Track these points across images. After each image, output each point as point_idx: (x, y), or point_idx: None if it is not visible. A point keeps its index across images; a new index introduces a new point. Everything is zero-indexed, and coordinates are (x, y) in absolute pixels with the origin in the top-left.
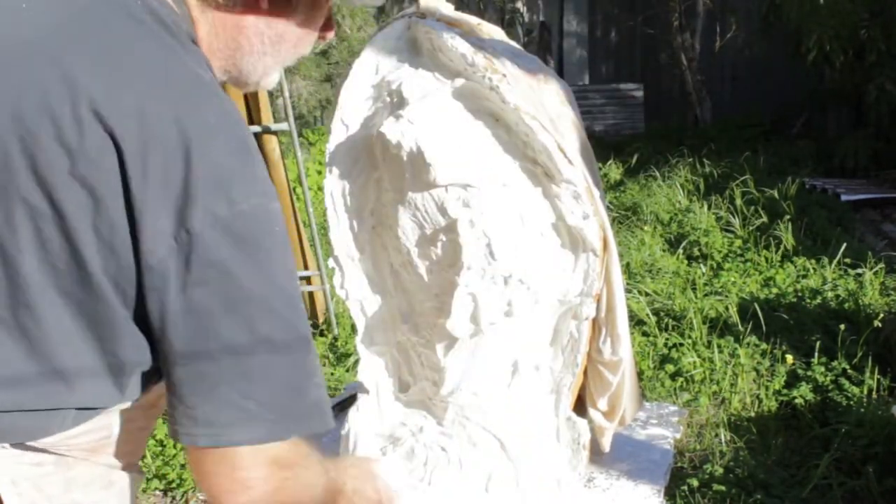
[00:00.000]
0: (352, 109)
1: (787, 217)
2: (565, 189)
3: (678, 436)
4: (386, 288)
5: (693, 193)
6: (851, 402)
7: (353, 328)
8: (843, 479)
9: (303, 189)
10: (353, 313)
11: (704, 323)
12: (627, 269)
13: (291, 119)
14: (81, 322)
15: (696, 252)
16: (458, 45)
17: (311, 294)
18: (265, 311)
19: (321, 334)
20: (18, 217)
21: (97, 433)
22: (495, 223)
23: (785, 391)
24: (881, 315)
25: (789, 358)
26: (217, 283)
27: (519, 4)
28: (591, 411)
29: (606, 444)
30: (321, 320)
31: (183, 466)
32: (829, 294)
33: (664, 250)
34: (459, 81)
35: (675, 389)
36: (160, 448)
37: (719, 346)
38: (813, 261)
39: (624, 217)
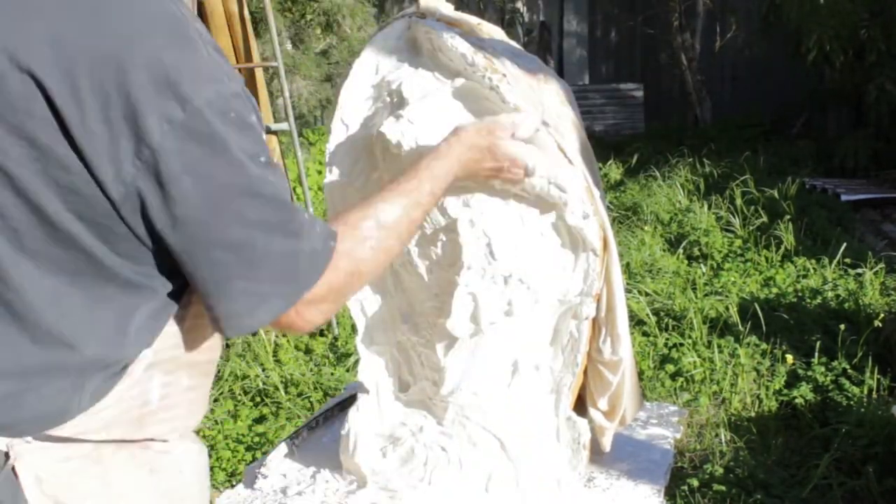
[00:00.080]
0: (352, 109)
1: (787, 217)
2: (565, 189)
3: (678, 436)
4: (386, 288)
5: (693, 193)
6: (851, 402)
7: (353, 328)
8: (843, 479)
9: (303, 189)
10: (353, 313)
11: (704, 323)
12: (627, 269)
13: (291, 119)
14: (62, 278)
15: (696, 252)
16: (458, 45)
17: None
18: (249, 198)
19: (321, 334)
20: None
21: (130, 402)
22: (495, 223)
23: (785, 391)
24: (881, 315)
25: (789, 358)
26: (195, 188)
27: (519, 4)
28: (592, 411)
29: (607, 443)
30: None
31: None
32: (829, 294)
33: (664, 250)
34: (459, 81)
35: (675, 389)
36: None
37: (719, 346)
38: (813, 261)
39: (624, 217)
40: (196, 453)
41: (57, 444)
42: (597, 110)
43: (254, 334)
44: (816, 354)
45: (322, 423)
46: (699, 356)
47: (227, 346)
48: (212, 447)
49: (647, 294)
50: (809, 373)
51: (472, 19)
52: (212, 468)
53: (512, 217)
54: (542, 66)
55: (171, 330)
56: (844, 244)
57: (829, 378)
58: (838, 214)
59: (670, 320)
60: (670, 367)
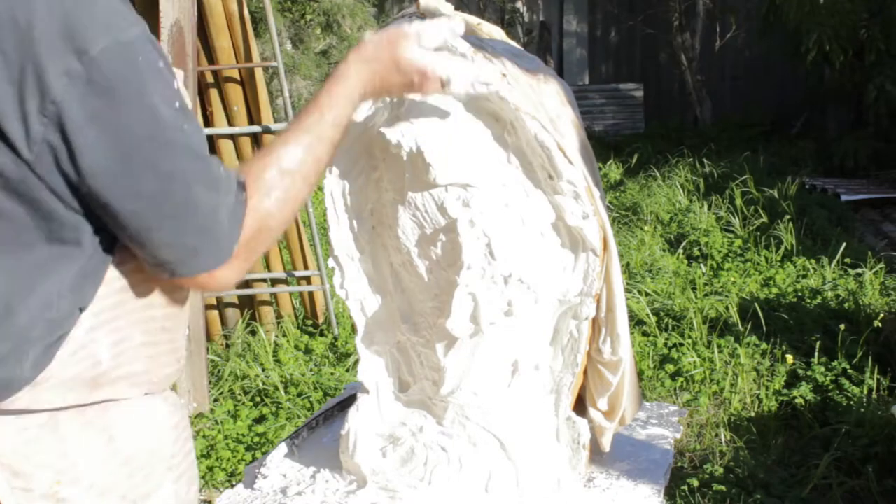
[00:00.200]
0: None
1: (787, 217)
2: (565, 189)
3: (678, 436)
4: (386, 288)
5: (693, 193)
6: (851, 402)
7: (353, 328)
8: (843, 479)
9: None
10: (353, 313)
11: (704, 323)
12: (627, 269)
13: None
14: None
15: (696, 252)
16: (458, 44)
17: (311, 294)
18: (160, 146)
19: (321, 334)
20: None
21: (79, 366)
22: (495, 223)
23: (785, 391)
24: (881, 315)
25: (789, 358)
26: (100, 138)
27: (519, 4)
28: (591, 411)
29: (606, 443)
30: (321, 320)
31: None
32: (829, 294)
33: (664, 250)
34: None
35: (675, 389)
36: None
37: (719, 346)
38: (813, 261)
39: (624, 217)
40: (166, 412)
41: (11, 416)
42: (597, 110)
43: (253, 334)
44: (816, 354)
45: (322, 423)
46: (699, 356)
47: (227, 346)
48: (212, 447)
49: (647, 294)
50: (809, 373)
51: (472, 19)
52: (212, 468)
53: (512, 217)
54: (542, 66)
55: (111, 288)
56: (844, 244)
57: (829, 378)
58: (838, 214)
59: (670, 320)
60: (670, 367)
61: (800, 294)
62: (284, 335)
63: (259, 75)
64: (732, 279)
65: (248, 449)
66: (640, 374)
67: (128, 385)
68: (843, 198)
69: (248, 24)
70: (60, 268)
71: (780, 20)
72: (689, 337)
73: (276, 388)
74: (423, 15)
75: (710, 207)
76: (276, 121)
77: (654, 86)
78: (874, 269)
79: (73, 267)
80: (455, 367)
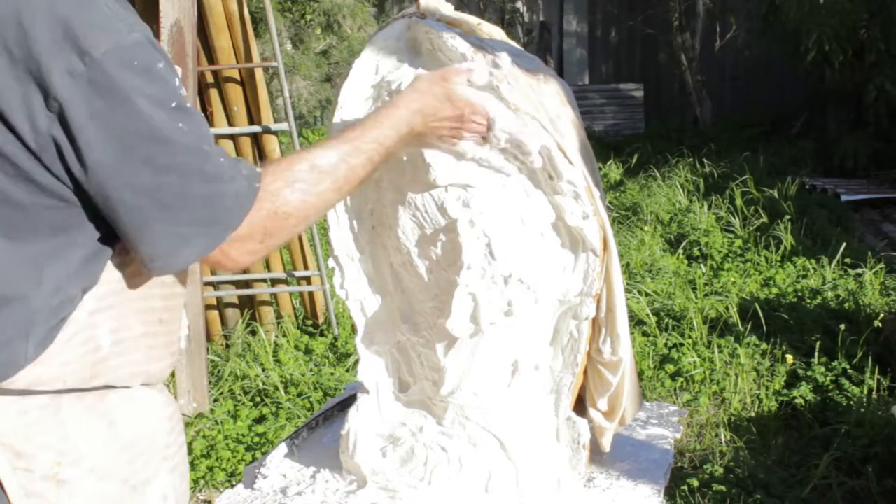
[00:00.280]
0: (352, 109)
1: (787, 217)
2: (565, 189)
3: (678, 436)
4: (386, 288)
5: (693, 193)
6: (851, 402)
7: (353, 328)
8: (843, 479)
9: None
10: (353, 313)
11: (704, 323)
12: (627, 269)
13: (291, 119)
14: None
15: (696, 252)
16: (458, 45)
17: (311, 294)
18: (158, 143)
19: (321, 334)
20: None
21: (80, 348)
22: (495, 223)
23: (785, 391)
24: (881, 315)
25: (789, 358)
26: (100, 136)
27: (519, 4)
28: (592, 411)
29: (606, 443)
30: (321, 320)
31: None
32: (829, 294)
33: (664, 250)
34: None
35: (675, 389)
36: None
37: (719, 346)
38: (813, 261)
39: (624, 217)
40: (161, 403)
41: (13, 396)
42: (597, 110)
43: (253, 334)
44: (816, 354)
45: (322, 423)
46: (699, 356)
47: (227, 346)
48: (212, 447)
49: (647, 294)
50: (809, 373)
51: (472, 19)
52: (212, 468)
53: (512, 217)
54: (542, 66)
55: (114, 276)
56: (844, 244)
57: (829, 378)
58: (838, 214)
59: (670, 320)
60: (670, 367)
61: (800, 294)
62: (284, 335)
63: (259, 75)
64: (732, 279)
65: (248, 449)
66: (640, 374)
67: (126, 374)
68: (843, 198)
69: (248, 24)
70: (67, 253)
71: (779, 20)
72: (689, 337)
73: (276, 388)
74: (423, 15)
75: (710, 207)
76: (276, 121)
77: (654, 86)
78: (874, 270)
79: (80, 252)
80: (455, 367)
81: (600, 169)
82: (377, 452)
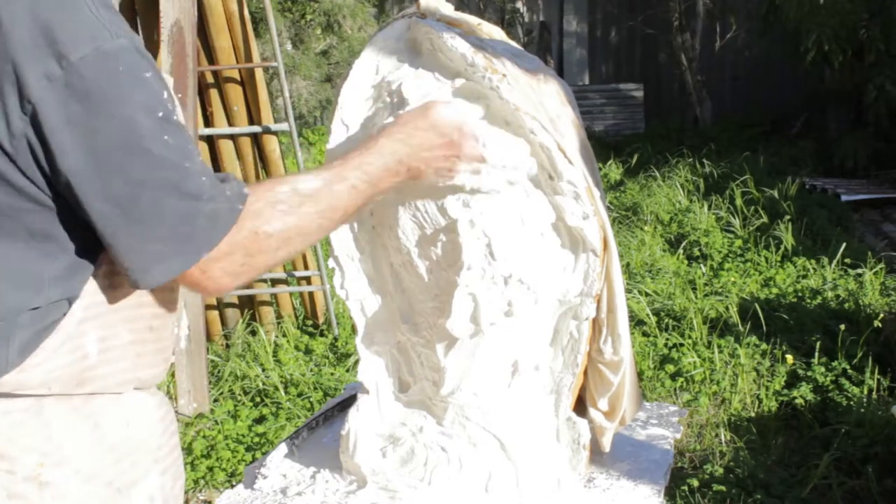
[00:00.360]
0: (352, 109)
1: (787, 217)
2: (566, 189)
3: (678, 436)
4: (386, 288)
5: (693, 193)
6: (851, 402)
7: (353, 328)
8: (843, 479)
9: None
10: (353, 313)
11: (704, 323)
12: (627, 269)
13: (291, 119)
14: None
15: (696, 252)
16: (457, 45)
17: (311, 294)
18: (133, 155)
19: (321, 334)
20: None
21: (68, 356)
22: (495, 223)
23: (785, 391)
24: (881, 315)
25: (789, 358)
26: (74, 141)
27: (519, 4)
28: (592, 411)
29: (607, 444)
30: (321, 320)
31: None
32: (829, 294)
33: (664, 250)
34: (459, 82)
35: (675, 389)
36: None
37: (719, 346)
38: (813, 261)
39: (624, 217)
40: (153, 405)
41: None
42: (597, 110)
43: (253, 334)
44: (816, 354)
45: (322, 423)
46: (699, 356)
47: (227, 346)
48: (212, 447)
49: (647, 294)
50: (809, 373)
51: (472, 19)
52: (212, 468)
53: (512, 217)
54: (542, 66)
55: (101, 284)
56: (844, 244)
57: (829, 378)
58: (838, 214)
59: (670, 320)
60: (670, 368)
61: (800, 294)
62: (284, 335)
63: (259, 75)
64: (732, 279)
65: (248, 449)
66: (640, 374)
67: (114, 382)
68: (843, 198)
69: (248, 24)
70: (48, 259)
71: (779, 20)
72: (689, 337)
73: (276, 389)
74: (423, 15)
75: (710, 207)
76: (275, 121)
77: (654, 86)
78: (874, 270)
79: (62, 258)
80: (455, 367)
81: (600, 169)
82: (377, 452)
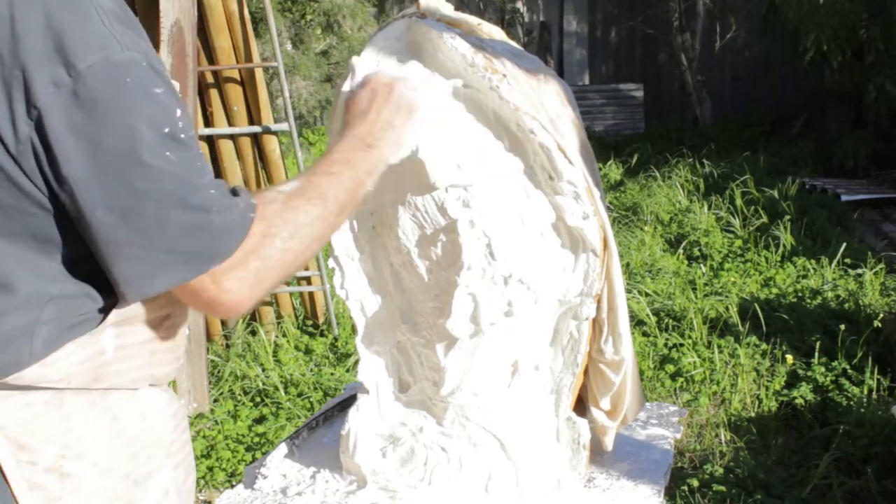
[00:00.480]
0: None
1: (787, 217)
2: (566, 189)
3: (678, 436)
4: (386, 288)
5: (693, 193)
6: (851, 402)
7: (353, 328)
8: (843, 479)
9: None
10: (353, 313)
11: (704, 323)
12: (627, 269)
13: (291, 119)
14: None
15: (696, 252)
16: (457, 45)
17: (311, 294)
18: (137, 167)
19: (321, 334)
20: None
21: (85, 352)
22: (495, 223)
23: (785, 391)
24: (881, 315)
25: (789, 358)
26: (78, 149)
27: (519, 4)
28: (594, 411)
29: (609, 443)
30: (321, 320)
31: None
32: (829, 294)
33: (664, 250)
34: (459, 82)
35: (675, 389)
36: None
37: (719, 346)
38: (813, 261)
39: (624, 217)
40: (166, 401)
41: (17, 391)
42: (597, 110)
43: (253, 334)
44: (816, 355)
45: (322, 423)
46: (699, 356)
47: (227, 346)
48: (212, 447)
49: (647, 294)
50: (809, 373)
51: (472, 19)
52: (212, 468)
53: (512, 217)
54: (542, 66)
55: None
56: (844, 244)
57: (829, 378)
58: (838, 214)
59: (670, 320)
60: (670, 367)
61: (800, 294)
62: (284, 335)
63: (259, 75)
64: (732, 279)
65: (248, 449)
66: (640, 373)
67: (129, 379)
68: (843, 198)
69: (248, 24)
70: (47, 256)
71: (779, 20)
72: (689, 337)
73: (276, 389)
74: (423, 15)
75: (710, 208)
76: (275, 121)
77: (654, 86)
78: (874, 270)
79: (67, 258)
80: (455, 367)
81: (600, 169)
82: (377, 452)
